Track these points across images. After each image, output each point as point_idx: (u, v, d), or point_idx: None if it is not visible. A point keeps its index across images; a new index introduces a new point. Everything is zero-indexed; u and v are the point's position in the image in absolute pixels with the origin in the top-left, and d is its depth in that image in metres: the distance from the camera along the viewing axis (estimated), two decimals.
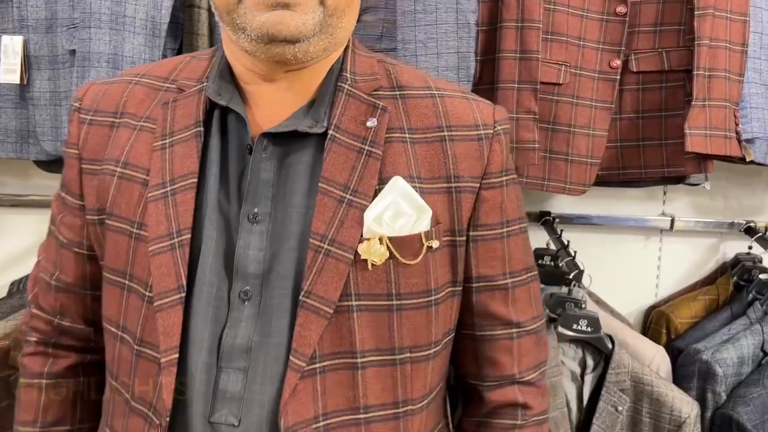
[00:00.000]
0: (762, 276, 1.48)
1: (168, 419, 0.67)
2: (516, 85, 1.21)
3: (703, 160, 1.25)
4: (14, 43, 1.22)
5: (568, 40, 1.25)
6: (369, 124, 0.71)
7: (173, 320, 0.67)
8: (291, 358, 0.66)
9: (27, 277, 1.45)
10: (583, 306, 1.34)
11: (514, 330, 0.76)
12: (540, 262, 1.51)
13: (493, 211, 0.73)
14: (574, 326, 1.30)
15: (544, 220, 1.53)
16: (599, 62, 1.26)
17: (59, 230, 0.79)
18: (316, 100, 0.72)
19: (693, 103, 1.20)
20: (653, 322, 1.58)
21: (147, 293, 0.69)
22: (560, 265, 1.47)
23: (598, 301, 1.50)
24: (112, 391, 0.75)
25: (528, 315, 0.77)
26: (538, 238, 1.56)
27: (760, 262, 1.55)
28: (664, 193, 1.60)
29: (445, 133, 0.72)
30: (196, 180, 0.69)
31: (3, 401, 1.20)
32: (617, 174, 1.32)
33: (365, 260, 0.67)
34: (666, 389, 1.29)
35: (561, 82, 1.25)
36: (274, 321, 0.67)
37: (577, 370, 1.33)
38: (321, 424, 0.67)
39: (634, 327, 1.55)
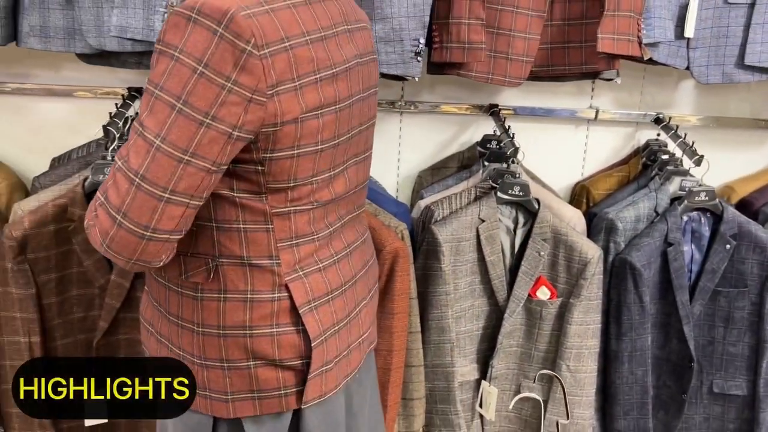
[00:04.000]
0: (663, 157, 1.85)
1: None
2: None
3: (611, 58, 1.57)
4: None
5: None
6: None
7: None
8: None
9: (67, 153, 1.71)
10: (518, 176, 1.69)
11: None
12: (488, 146, 1.84)
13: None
14: (510, 191, 1.64)
15: (492, 111, 1.84)
16: None
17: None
18: None
19: (605, 13, 1.48)
20: (577, 194, 1.94)
21: None
22: (503, 146, 1.81)
23: (534, 177, 1.83)
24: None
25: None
26: (488, 127, 1.89)
27: (665, 146, 1.91)
28: (592, 90, 1.93)
29: None
30: None
31: (63, 246, 1.51)
32: (546, 70, 1.63)
33: None
34: (577, 238, 1.65)
35: None
36: None
37: (511, 226, 1.69)
38: None
39: (563, 198, 1.89)
